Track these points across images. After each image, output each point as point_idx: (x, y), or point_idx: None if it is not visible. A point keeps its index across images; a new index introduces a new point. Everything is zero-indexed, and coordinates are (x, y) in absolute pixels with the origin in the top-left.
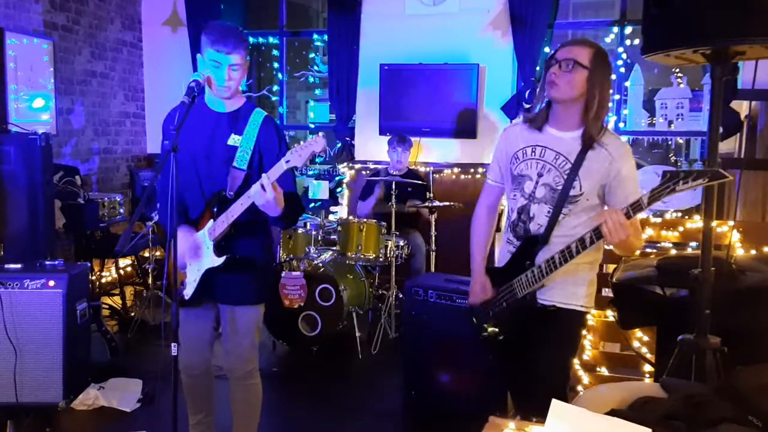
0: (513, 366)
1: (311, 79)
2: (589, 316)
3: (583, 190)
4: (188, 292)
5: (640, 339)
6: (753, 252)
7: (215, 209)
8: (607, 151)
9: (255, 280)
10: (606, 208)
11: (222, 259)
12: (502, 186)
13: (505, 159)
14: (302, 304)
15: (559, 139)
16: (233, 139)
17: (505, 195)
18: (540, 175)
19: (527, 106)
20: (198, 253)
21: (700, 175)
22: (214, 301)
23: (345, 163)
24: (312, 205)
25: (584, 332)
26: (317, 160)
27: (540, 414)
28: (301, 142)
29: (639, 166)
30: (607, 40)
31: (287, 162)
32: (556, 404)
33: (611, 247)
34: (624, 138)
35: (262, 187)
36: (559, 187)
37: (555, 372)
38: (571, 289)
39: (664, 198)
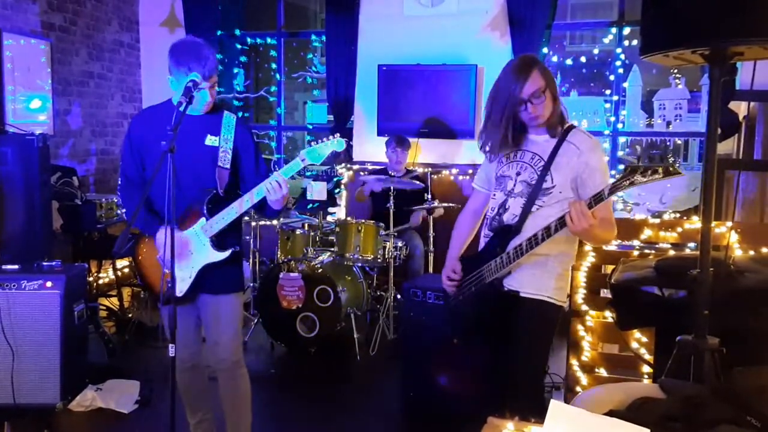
0: (489, 357)
1: (309, 80)
2: (587, 320)
3: (555, 182)
4: (182, 289)
5: (638, 340)
6: (751, 253)
7: (205, 208)
8: (575, 145)
9: (235, 269)
10: None
11: (227, 253)
12: (488, 192)
13: (491, 165)
14: (300, 305)
15: (534, 141)
16: (210, 140)
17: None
18: (518, 174)
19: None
20: (185, 252)
21: (655, 171)
22: (200, 291)
23: (343, 164)
24: (310, 206)
25: (582, 334)
26: None
27: (521, 406)
28: (318, 141)
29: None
30: (606, 41)
31: (303, 160)
32: (554, 405)
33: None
34: (621, 139)
35: (279, 184)
36: (533, 182)
37: (527, 362)
38: (538, 280)
39: (624, 190)
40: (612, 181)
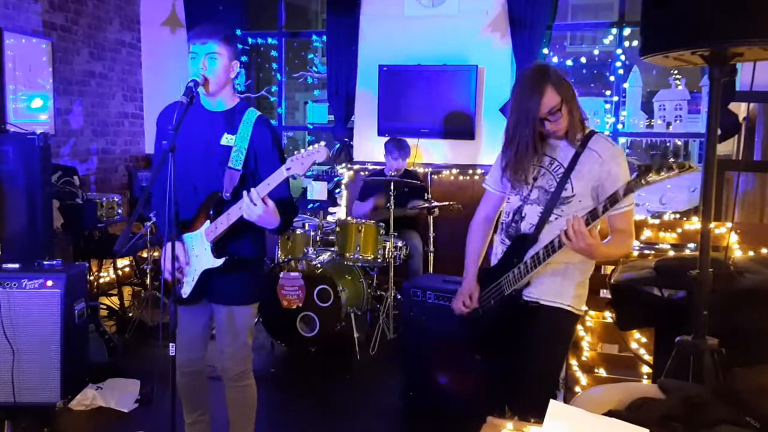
0: (504, 367)
1: (310, 80)
2: (587, 320)
3: (575, 191)
4: (186, 291)
5: (638, 340)
6: (751, 253)
7: (212, 210)
8: (598, 153)
9: (249, 280)
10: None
11: (221, 261)
12: (500, 194)
13: None
14: (300, 304)
15: (554, 146)
16: (226, 139)
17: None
18: (535, 179)
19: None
20: (190, 254)
21: (671, 167)
22: (209, 299)
23: (343, 164)
24: (310, 206)
25: (582, 334)
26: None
27: (530, 414)
28: (302, 150)
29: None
30: (606, 41)
31: (288, 170)
32: (554, 405)
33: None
34: (621, 140)
35: (251, 200)
36: (552, 189)
37: (543, 372)
38: (558, 288)
39: (640, 188)
40: (628, 180)
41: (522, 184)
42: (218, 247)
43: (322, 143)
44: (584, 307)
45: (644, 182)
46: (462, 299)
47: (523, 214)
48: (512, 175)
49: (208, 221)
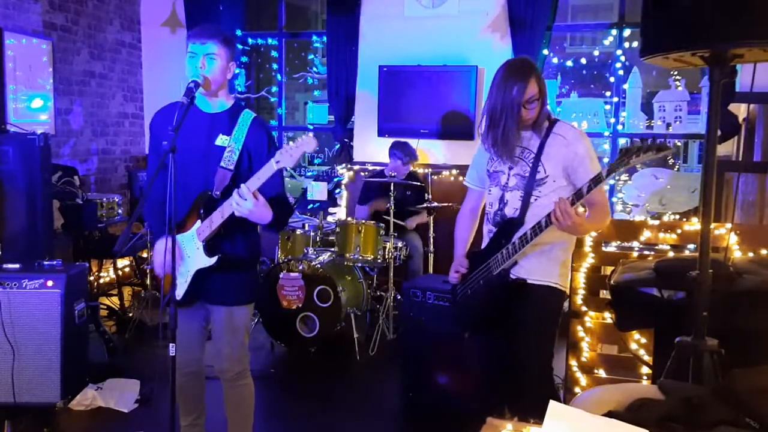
0: (497, 349)
1: (310, 81)
2: (586, 320)
3: (548, 172)
4: (179, 293)
5: (637, 341)
6: (750, 254)
7: (202, 210)
8: (562, 136)
9: (244, 280)
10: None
11: (214, 259)
12: (480, 189)
13: (482, 163)
14: (300, 305)
15: (523, 137)
16: (221, 140)
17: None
18: (510, 168)
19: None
20: (181, 255)
21: (648, 149)
22: (204, 301)
23: (343, 165)
24: (310, 206)
25: (581, 335)
26: (315, 161)
27: (527, 401)
28: (290, 143)
29: (635, 170)
30: (606, 42)
31: (277, 162)
32: (553, 405)
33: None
34: (621, 140)
35: (240, 195)
36: (527, 174)
37: (537, 348)
38: (545, 268)
39: (621, 170)
40: (593, 157)
41: (500, 172)
42: (210, 245)
43: (310, 134)
44: (568, 285)
45: (625, 163)
46: (455, 268)
47: (505, 201)
48: (500, 150)
49: (199, 221)
